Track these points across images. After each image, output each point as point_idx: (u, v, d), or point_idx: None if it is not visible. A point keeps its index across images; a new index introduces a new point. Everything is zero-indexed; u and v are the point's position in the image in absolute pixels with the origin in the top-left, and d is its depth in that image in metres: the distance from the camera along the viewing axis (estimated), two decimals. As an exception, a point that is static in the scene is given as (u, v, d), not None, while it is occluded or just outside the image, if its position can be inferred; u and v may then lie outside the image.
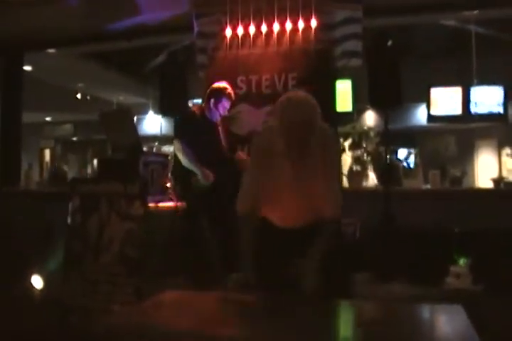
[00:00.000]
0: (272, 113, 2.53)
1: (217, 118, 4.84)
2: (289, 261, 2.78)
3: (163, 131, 12.16)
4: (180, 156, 4.66)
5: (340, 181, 2.75)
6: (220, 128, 4.85)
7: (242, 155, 4.89)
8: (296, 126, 2.41)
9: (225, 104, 4.81)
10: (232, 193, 4.71)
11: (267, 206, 2.78)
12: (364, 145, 6.75)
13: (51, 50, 8.76)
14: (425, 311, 2.35)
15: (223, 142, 4.81)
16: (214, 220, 4.66)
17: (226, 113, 4.88)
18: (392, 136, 6.11)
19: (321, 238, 2.64)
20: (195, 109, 5.02)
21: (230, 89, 4.85)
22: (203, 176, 4.56)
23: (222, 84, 4.89)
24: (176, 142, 4.69)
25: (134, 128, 4.78)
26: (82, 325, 3.82)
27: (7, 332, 3.88)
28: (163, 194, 4.71)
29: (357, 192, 6.16)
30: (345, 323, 2.18)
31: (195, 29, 6.10)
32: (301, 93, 2.60)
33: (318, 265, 2.58)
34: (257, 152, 2.79)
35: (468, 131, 11.84)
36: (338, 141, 2.79)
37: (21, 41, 7.92)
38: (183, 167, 4.65)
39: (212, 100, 4.79)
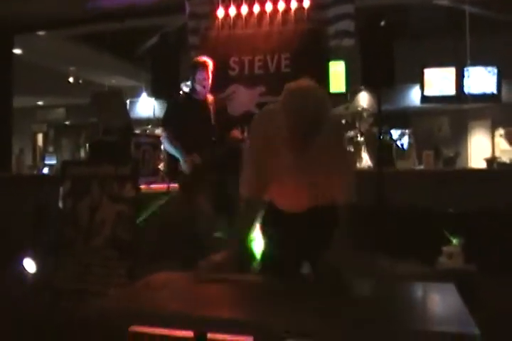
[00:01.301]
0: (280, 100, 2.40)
1: (204, 95, 4.64)
2: (295, 245, 2.75)
3: (157, 114, 12.06)
4: (165, 143, 4.58)
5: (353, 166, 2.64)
6: (210, 107, 4.69)
7: (236, 133, 4.78)
8: (299, 119, 2.29)
9: (202, 73, 4.58)
10: (223, 171, 4.69)
11: (270, 190, 2.69)
12: (357, 126, 6.73)
13: (42, 33, 8.66)
14: (418, 289, 2.35)
15: (213, 120, 4.67)
16: (209, 198, 4.61)
17: (207, 83, 4.61)
18: (385, 117, 6.09)
19: (329, 222, 2.60)
20: (182, 92, 4.90)
21: (202, 59, 4.67)
22: (186, 164, 4.42)
23: (195, 59, 4.77)
24: (162, 129, 4.63)
25: (125, 109, 4.74)
26: (75, 308, 3.81)
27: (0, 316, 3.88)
28: (155, 175, 4.68)
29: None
30: (335, 301, 2.17)
31: (187, 9, 6.04)
32: (308, 83, 2.50)
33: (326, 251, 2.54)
34: (257, 135, 2.64)
35: (462, 111, 11.83)
36: (343, 127, 2.64)
37: (11, 23, 7.81)
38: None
39: (192, 78, 4.63)
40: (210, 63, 4.62)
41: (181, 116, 4.53)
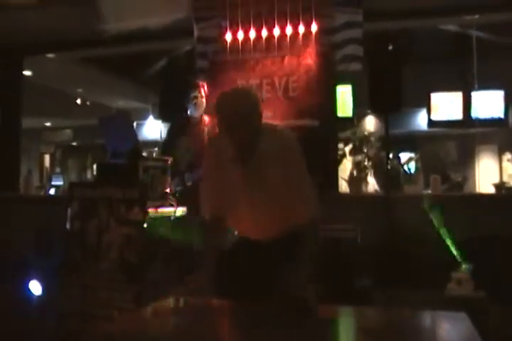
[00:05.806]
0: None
1: None
2: (267, 273, 2.62)
3: (163, 137, 12.11)
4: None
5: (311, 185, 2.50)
6: None
7: None
8: (231, 119, 2.27)
9: None
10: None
11: (230, 218, 2.60)
12: (365, 151, 6.73)
13: (51, 55, 8.73)
14: (429, 319, 2.31)
15: None
16: None
17: None
18: (392, 141, 6.09)
19: (300, 248, 2.46)
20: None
21: None
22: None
23: None
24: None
25: (133, 132, 4.72)
26: (81, 331, 3.78)
27: (6, 338, 3.84)
28: (163, 199, 4.64)
29: (357, 198, 6.12)
30: (346, 331, 2.14)
31: (195, 33, 6.10)
32: (239, 88, 2.49)
33: (302, 275, 2.40)
34: (209, 160, 2.61)
35: (469, 136, 11.81)
36: (298, 145, 2.55)
37: (21, 45, 7.89)
38: None
39: None
40: None
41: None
